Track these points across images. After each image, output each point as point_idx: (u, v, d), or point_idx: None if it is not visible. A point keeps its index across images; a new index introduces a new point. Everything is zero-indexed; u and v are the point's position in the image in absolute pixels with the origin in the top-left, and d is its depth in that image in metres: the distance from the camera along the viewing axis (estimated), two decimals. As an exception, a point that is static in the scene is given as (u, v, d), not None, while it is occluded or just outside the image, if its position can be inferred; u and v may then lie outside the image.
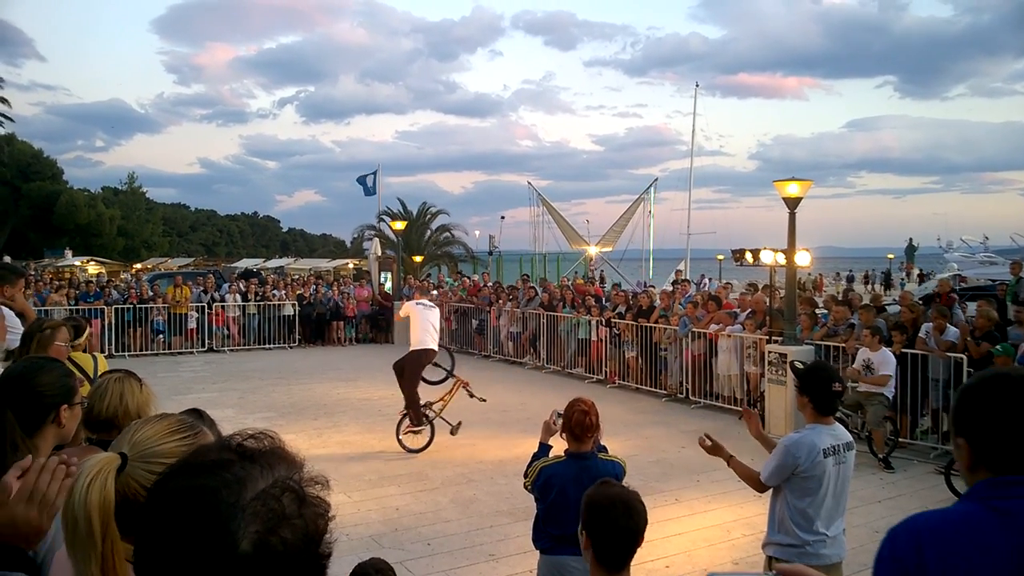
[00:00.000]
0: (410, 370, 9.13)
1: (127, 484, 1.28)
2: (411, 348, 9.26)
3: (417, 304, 9.46)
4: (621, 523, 2.43)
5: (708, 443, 3.94)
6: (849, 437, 3.87)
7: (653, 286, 18.46)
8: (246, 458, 0.92)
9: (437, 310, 9.72)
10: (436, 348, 9.34)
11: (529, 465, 3.87)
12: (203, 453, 0.96)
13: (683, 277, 20.30)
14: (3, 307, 4.20)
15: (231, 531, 0.84)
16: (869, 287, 36.77)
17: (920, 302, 11.52)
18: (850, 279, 39.50)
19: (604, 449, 4.02)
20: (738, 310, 12.17)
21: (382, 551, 5.82)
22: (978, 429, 1.61)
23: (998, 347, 8.19)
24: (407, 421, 9.14)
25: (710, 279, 28.62)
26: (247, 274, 23.77)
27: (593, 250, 31.93)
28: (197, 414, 1.68)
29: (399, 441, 9.07)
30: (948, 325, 9.32)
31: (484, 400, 9.69)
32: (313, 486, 0.94)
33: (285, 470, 0.93)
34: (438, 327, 9.53)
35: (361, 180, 28.52)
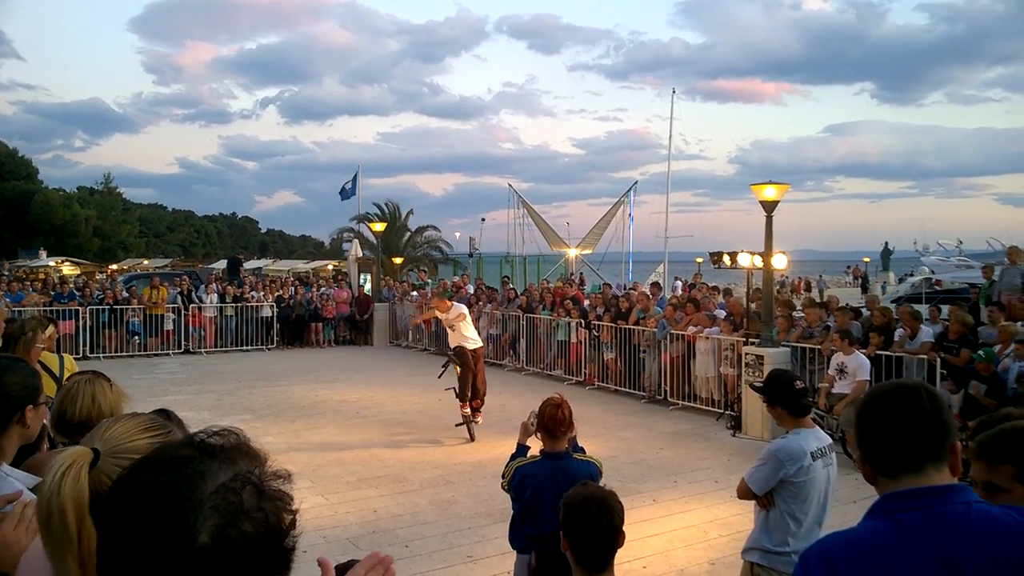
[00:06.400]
0: (475, 365, 9.95)
1: (99, 480, 1.26)
2: (476, 346, 10.10)
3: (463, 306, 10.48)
4: (596, 522, 2.44)
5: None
6: (829, 439, 3.90)
7: (634, 288, 18.50)
8: (207, 453, 0.92)
9: None
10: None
11: (506, 466, 3.88)
12: (165, 449, 0.96)
13: (653, 280, 20.36)
14: None
15: (190, 525, 0.85)
16: (809, 294, 36.00)
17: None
18: (781, 284, 38.53)
19: (581, 450, 4.04)
20: (719, 312, 12.26)
21: (359, 553, 5.78)
22: (864, 440, 1.69)
23: (980, 352, 8.19)
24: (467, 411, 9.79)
25: (678, 278, 28.62)
26: (234, 262, 23.53)
27: (573, 252, 32.00)
28: (165, 414, 1.67)
29: (470, 430, 9.70)
30: (921, 327, 9.45)
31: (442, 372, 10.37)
32: (275, 480, 0.94)
33: (247, 465, 0.93)
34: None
35: (342, 191, 28.51)
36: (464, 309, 10.30)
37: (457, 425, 9.73)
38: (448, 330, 10.31)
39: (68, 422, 2.44)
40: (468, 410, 9.72)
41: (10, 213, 48.08)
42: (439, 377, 10.47)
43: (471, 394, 9.80)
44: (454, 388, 9.94)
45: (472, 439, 9.55)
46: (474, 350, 10.02)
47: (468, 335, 10.07)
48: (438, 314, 10.31)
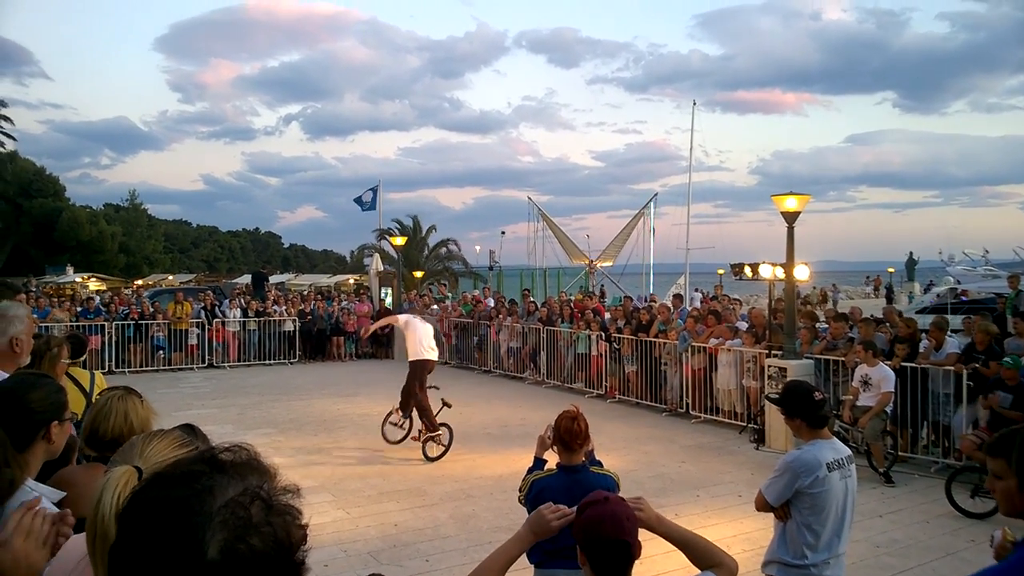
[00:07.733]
0: (413, 381, 9.69)
1: None
2: (409, 360, 9.91)
3: (415, 317, 10.19)
4: (611, 535, 2.42)
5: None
6: (848, 451, 3.85)
7: (654, 301, 18.42)
8: (217, 468, 0.94)
9: (431, 327, 10.22)
10: (435, 359, 9.98)
11: (523, 479, 3.87)
12: (177, 465, 0.98)
13: (675, 292, 20.23)
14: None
15: (199, 539, 0.86)
16: (826, 305, 35.03)
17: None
18: (799, 295, 36.93)
19: (599, 463, 4.02)
20: (740, 323, 12.16)
21: (380, 567, 5.81)
22: None
23: (1007, 359, 8.07)
24: (421, 429, 9.57)
25: (698, 290, 28.37)
26: (259, 277, 23.78)
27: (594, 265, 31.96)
28: (190, 429, 1.69)
29: (423, 450, 9.38)
30: (947, 338, 9.31)
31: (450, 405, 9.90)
32: (284, 494, 0.95)
33: (256, 480, 0.94)
34: (433, 343, 10.00)
35: (358, 200, 28.81)
36: (404, 318, 10.27)
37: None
38: None
39: (100, 438, 2.48)
40: (414, 431, 9.71)
41: (38, 230, 48.93)
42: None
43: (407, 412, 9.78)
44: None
45: (427, 458, 9.29)
46: (413, 362, 9.82)
47: (409, 346, 9.98)
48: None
